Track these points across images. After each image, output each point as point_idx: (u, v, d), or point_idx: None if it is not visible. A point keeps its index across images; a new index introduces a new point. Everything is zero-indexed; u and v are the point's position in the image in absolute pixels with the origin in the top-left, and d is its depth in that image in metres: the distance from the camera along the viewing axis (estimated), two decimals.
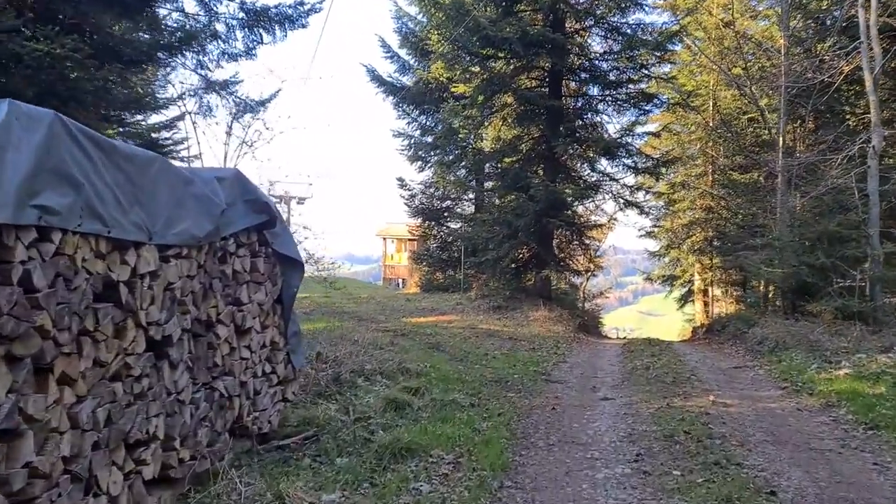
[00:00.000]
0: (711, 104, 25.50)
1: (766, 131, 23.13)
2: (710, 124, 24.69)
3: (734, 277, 25.64)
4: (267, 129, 20.86)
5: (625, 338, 22.40)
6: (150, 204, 4.21)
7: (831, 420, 7.47)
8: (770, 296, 17.71)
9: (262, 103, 20.62)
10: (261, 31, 18.03)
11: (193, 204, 4.86)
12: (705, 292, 31.75)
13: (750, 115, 24.08)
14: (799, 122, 21.23)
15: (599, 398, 8.72)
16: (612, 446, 6.46)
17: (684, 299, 34.87)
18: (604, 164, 22.46)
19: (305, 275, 14.39)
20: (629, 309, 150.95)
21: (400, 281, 42.96)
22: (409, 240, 35.44)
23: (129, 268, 4.02)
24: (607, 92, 20.69)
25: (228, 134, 21.58)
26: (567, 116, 20.84)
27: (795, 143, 21.63)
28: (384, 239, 47.01)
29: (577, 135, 20.36)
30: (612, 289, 49.26)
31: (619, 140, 19.68)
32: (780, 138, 19.47)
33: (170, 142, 31.86)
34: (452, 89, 22.85)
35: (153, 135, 28.80)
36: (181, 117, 29.14)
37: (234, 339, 5.78)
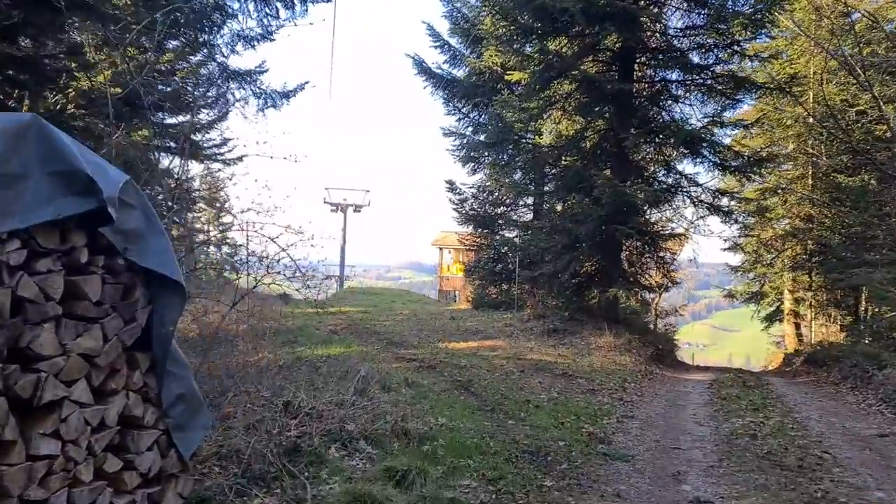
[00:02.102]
0: (811, 96, 21.71)
1: (882, 126, 19.33)
2: (812, 118, 20.90)
3: (839, 299, 21.72)
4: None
5: (707, 369, 18.82)
6: None
7: None
8: None
9: (286, 95, 18.12)
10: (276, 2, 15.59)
11: None
12: (796, 313, 27.69)
13: (859, 108, 20.24)
14: None
15: (688, 501, 5.54)
16: None
17: (771, 319, 30.82)
18: (683, 164, 19.12)
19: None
20: (702, 323, 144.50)
21: (456, 294, 40.13)
22: (467, 250, 32.53)
23: None
24: (688, 76, 17.29)
25: None
26: (639, 106, 17.57)
27: None
28: (440, 249, 44.27)
29: (651, 126, 17.04)
30: (687, 304, 45.13)
31: (702, 132, 16.26)
32: None
33: (212, 143, 29.97)
34: (507, 77, 19.87)
35: (194, 136, 26.84)
36: (222, 117, 27.16)
37: (13, 424, 3.05)
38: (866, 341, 14.97)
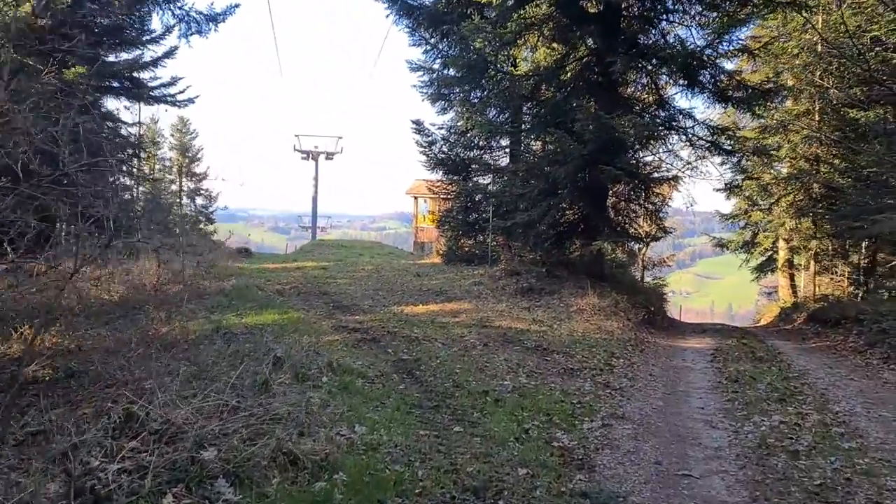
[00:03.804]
0: (819, 21, 19.16)
1: None
2: (823, 43, 18.39)
3: (846, 249, 19.57)
4: None
5: (703, 330, 16.66)
6: None
7: None
8: None
9: (213, 19, 15.39)
10: None
11: None
12: (791, 263, 25.64)
13: (874, 34, 17.75)
14: None
15: None
16: None
17: (762, 269, 28.86)
18: (677, 98, 16.64)
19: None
20: (686, 271, 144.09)
21: (431, 246, 37.79)
22: (443, 199, 29.95)
23: None
24: None
25: None
26: (628, 27, 15.00)
27: None
28: (415, 198, 41.74)
29: (642, 49, 14.49)
30: (674, 254, 43.17)
31: (701, 53, 13.74)
32: None
33: (158, 82, 27.06)
34: None
35: (136, 74, 24.04)
36: (170, 53, 24.31)
37: None
38: (885, 298, 12.79)
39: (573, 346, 10.27)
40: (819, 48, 19.49)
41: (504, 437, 5.80)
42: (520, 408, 6.80)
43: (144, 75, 25.71)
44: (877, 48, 17.76)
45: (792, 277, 26.09)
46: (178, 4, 15.00)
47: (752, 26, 17.71)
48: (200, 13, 15.26)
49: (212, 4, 15.00)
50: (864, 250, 19.84)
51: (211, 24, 15.44)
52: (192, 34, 15.49)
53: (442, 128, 23.30)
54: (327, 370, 7.60)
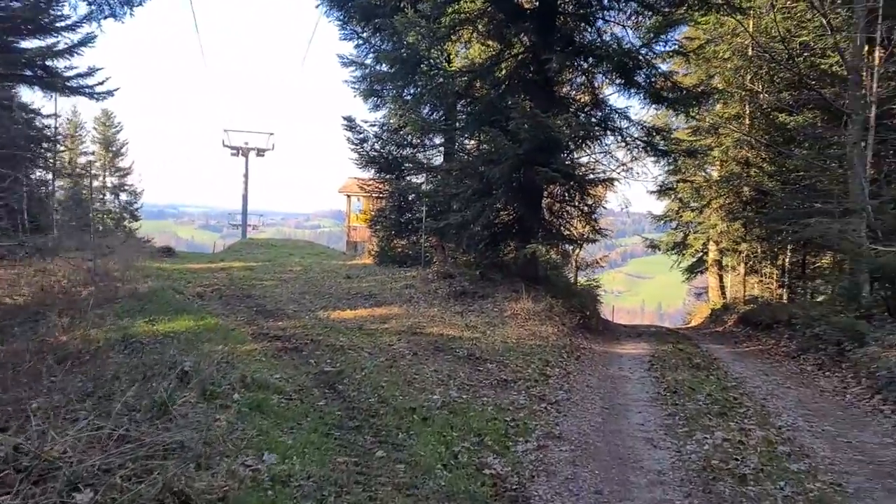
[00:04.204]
0: (751, 24, 19.29)
1: (827, 59, 17.13)
2: (755, 46, 18.51)
3: (775, 252, 19.78)
4: None
5: (638, 334, 16.47)
6: None
7: None
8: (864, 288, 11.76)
9: (128, 2, 14.35)
10: None
11: None
12: (720, 265, 25.99)
13: (803, 39, 17.94)
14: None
15: None
16: None
17: (692, 270, 29.24)
18: (614, 98, 16.41)
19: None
20: (618, 271, 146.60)
21: (364, 246, 36.97)
22: (377, 197, 29.17)
23: None
24: None
25: None
26: (564, 25, 14.68)
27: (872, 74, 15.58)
28: (348, 196, 40.83)
29: (578, 47, 14.17)
30: (607, 255, 43.49)
31: (637, 52, 13.50)
32: (869, 57, 13.53)
33: (74, 72, 25.47)
34: None
35: (50, 62, 22.57)
36: (87, 40, 22.86)
37: None
38: (820, 301, 12.79)
39: (507, 354, 9.80)
40: (750, 52, 19.65)
41: (431, 463, 5.24)
42: (449, 427, 6.26)
43: (59, 64, 24.16)
44: (805, 53, 17.97)
45: (721, 278, 26.43)
46: None
47: (685, 29, 17.64)
48: None
49: None
50: (789, 253, 20.13)
51: (126, 7, 14.39)
52: (104, 17, 14.40)
53: (374, 125, 22.60)
54: (240, 386, 6.90)
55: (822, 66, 17.58)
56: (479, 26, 15.37)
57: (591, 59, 14.36)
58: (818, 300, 14.41)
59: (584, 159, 17.47)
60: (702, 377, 8.99)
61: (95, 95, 25.29)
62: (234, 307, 13.05)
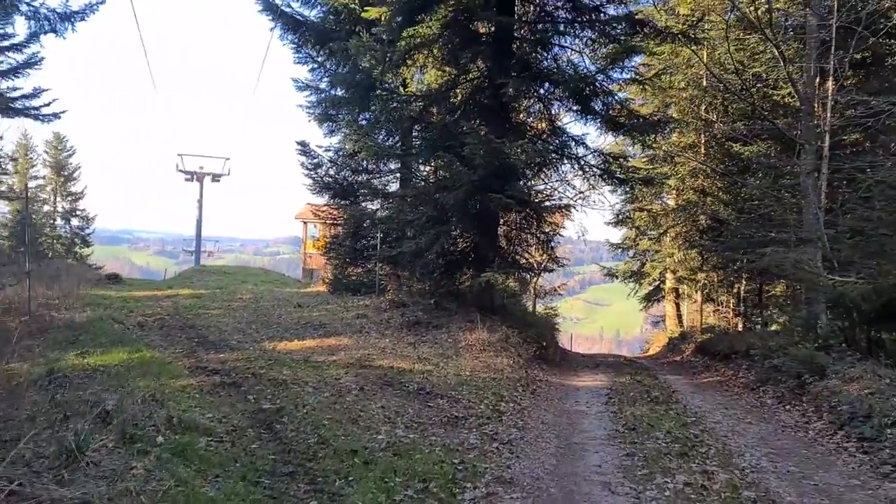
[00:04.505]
0: (705, 54, 19.43)
1: (779, 91, 17.32)
2: (709, 76, 18.62)
3: (731, 281, 19.76)
4: None
5: (596, 364, 16.17)
6: None
7: None
8: (824, 319, 11.63)
9: (69, 18, 13.74)
10: None
11: None
12: (677, 293, 26.02)
13: (756, 70, 18.12)
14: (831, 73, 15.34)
15: None
16: None
17: (649, 299, 29.23)
18: (571, 126, 16.28)
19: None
20: (576, 298, 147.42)
21: (319, 274, 36.28)
22: (333, 224, 28.60)
23: None
24: (578, 16, 14.30)
25: None
26: (520, 50, 14.51)
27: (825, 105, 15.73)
28: (304, 223, 40.21)
29: (534, 72, 13.97)
30: (566, 283, 43.42)
31: (594, 79, 13.35)
32: (822, 88, 13.62)
33: (19, 93, 24.65)
34: (363, 14, 16.25)
35: None
36: (33, 62, 22.09)
37: None
38: (776, 331, 12.65)
39: (460, 388, 9.35)
40: (704, 83, 19.80)
41: None
42: (392, 471, 5.77)
43: (2, 85, 23.27)
44: (758, 84, 18.14)
45: (678, 307, 26.44)
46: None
47: (641, 58, 17.66)
48: (53, 10, 13.55)
49: (66, 1, 13.28)
50: (745, 282, 20.15)
51: (66, 23, 13.76)
52: (45, 33, 13.72)
53: (329, 150, 22.21)
54: (165, 427, 6.32)
55: (775, 97, 17.76)
56: (435, 51, 15.11)
57: (547, 85, 14.18)
58: (774, 329, 14.27)
59: (541, 187, 17.30)
60: (661, 412, 8.66)
61: (41, 117, 24.42)
62: (175, 338, 12.40)
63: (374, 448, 6.41)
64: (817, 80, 14.38)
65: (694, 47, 16.86)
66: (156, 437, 6.07)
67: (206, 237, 56.16)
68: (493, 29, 14.15)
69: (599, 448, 6.97)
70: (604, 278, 33.78)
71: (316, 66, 21.15)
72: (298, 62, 20.86)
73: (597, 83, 13.38)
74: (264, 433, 6.72)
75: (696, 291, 21.92)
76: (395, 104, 15.04)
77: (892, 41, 15.30)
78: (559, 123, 15.85)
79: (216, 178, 48.69)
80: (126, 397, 6.95)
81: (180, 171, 47.79)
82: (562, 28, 13.90)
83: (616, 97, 14.35)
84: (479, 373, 10.50)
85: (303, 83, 21.47)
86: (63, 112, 24.19)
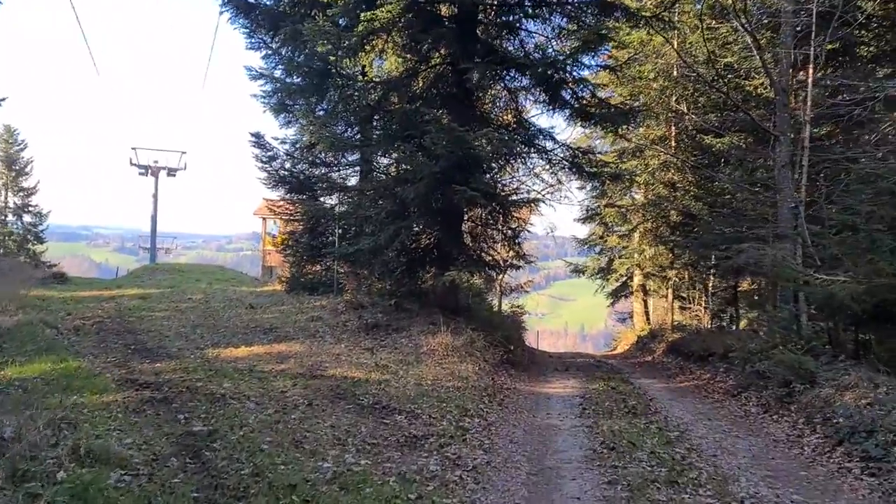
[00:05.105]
0: (676, 43, 18.77)
1: (752, 82, 16.76)
2: (681, 65, 17.95)
3: (704, 278, 19.15)
4: None
5: (566, 368, 15.38)
6: None
7: None
8: (804, 320, 10.98)
9: None
10: None
11: None
12: (645, 290, 25.48)
13: (727, 59, 17.52)
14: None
15: None
16: None
17: (616, 295, 28.70)
18: (539, 119, 15.44)
19: None
20: (542, 293, 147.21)
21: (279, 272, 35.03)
22: (292, 220, 27.42)
23: None
24: None
25: None
26: (485, 34, 13.65)
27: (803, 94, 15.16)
28: (263, 219, 38.86)
29: (500, 54, 13.07)
30: (532, 280, 42.82)
31: (564, 64, 12.52)
32: (802, 71, 13.00)
33: None
34: None
35: None
36: None
37: None
38: (759, 332, 11.99)
39: (420, 400, 8.46)
40: (675, 73, 19.15)
41: None
42: None
43: None
44: (730, 75, 17.54)
45: (646, 304, 25.91)
46: None
47: (610, 47, 16.91)
48: None
49: None
50: (713, 278, 19.60)
51: None
52: None
53: (286, 142, 21.10)
54: (71, 459, 5.33)
55: (748, 88, 17.17)
56: (395, 35, 14.16)
57: (514, 72, 13.31)
58: (752, 329, 13.65)
59: (509, 180, 16.49)
60: (641, 426, 7.85)
61: None
62: (110, 345, 11.33)
63: (317, 480, 5.50)
64: (791, 70, 13.80)
65: (666, 34, 16.19)
66: (56, 472, 5.08)
67: (165, 233, 54.43)
68: (456, 10, 13.26)
69: (576, 473, 6.13)
70: (569, 274, 33.26)
71: (270, 52, 19.96)
72: (251, 48, 19.65)
73: (566, 69, 12.55)
74: (190, 463, 5.76)
75: (667, 289, 21.30)
76: (351, 91, 14.08)
77: (864, 32, 14.83)
78: (527, 116, 15.06)
79: (172, 172, 47.13)
80: (28, 422, 5.94)
81: (134, 165, 46.13)
82: (529, 11, 13.02)
83: (586, 84, 13.52)
84: (441, 381, 9.62)
85: (257, 71, 20.21)
86: (3, 99, 22.77)
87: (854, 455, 6.39)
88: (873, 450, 6.22)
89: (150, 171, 46.49)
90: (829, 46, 13.35)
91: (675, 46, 18.49)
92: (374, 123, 16.60)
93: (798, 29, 13.48)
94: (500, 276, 23.09)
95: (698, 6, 17.82)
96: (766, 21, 16.35)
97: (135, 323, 13.83)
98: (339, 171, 21.11)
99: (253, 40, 19.76)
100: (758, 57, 14.14)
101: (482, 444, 7.02)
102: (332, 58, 14.29)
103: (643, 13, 13.34)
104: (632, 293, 27.04)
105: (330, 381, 9.04)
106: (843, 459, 6.40)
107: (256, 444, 6.29)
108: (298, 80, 18.32)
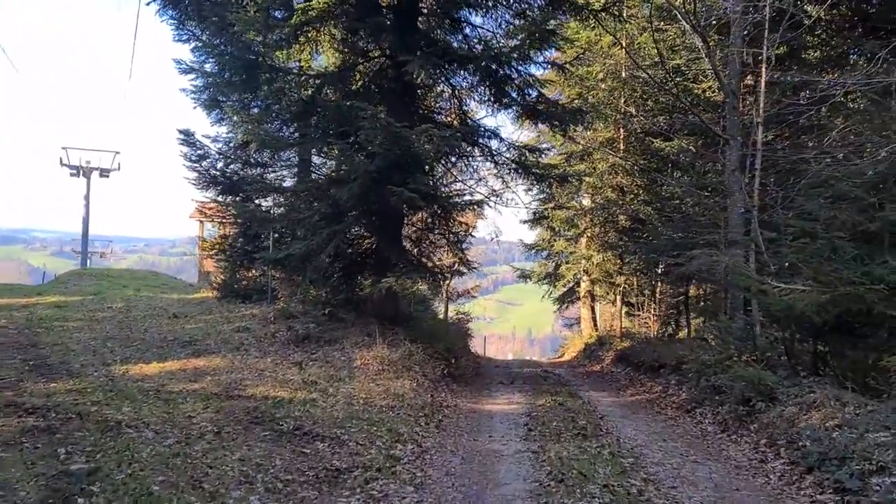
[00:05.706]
0: (624, 42, 18.30)
1: (701, 85, 16.37)
2: (631, 66, 17.46)
3: (653, 285, 18.68)
4: None
5: (512, 380, 14.60)
6: None
7: None
8: (756, 330, 10.43)
9: None
10: None
11: None
12: (593, 296, 25.01)
13: (677, 62, 17.10)
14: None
15: None
16: None
17: (563, 301, 28.22)
18: (484, 121, 14.75)
19: None
20: (489, 298, 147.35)
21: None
22: (223, 222, 25.94)
23: None
24: None
25: None
26: (426, 22, 12.84)
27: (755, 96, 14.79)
28: (200, 222, 37.27)
29: (440, 46, 12.24)
30: (479, 285, 42.16)
31: (509, 58, 11.76)
32: (752, 75, 12.55)
33: None
34: None
35: None
36: None
37: None
38: (712, 343, 11.41)
39: (348, 423, 7.55)
40: (623, 74, 18.68)
41: None
42: None
43: None
44: (678, 78, 17.12)
45: (594, 310, 25.46)
46: None
47: (558, 43, 16.32)
48: None
49: None
50: (660, 285, 19.19)
51: None
52: None
53: (218, 140, 19.89)
54: None
55: (696, 91, 16.78)
56: (332, 27, 13.23)
57: (458, 68, 12.51)
58: (703, 338, 13.12)
59: (452, 182, 15.70)
60: (592, 451, 7.09)
61: None
62: (5, 361, 10.07)
63: None
64: (741, 72, 13.41)
65: (614, 31, 15.65)
66: None
67: (102, 237, 52.08)
68: (395, 0, 12.41)
69: None
70: (517, 278, 32.76)
71: (200, 44, 18.76)
72: (178, 40, 18.43)
73: (511, 63, 11.81)
74: None
75: (615, 295, 20.79)
76: (281, 84, 13.09)
77: (809, 37, 14.57)
78: (473, 117, 14.28)
79: (105, 172, 45.04)
80: None
81: (65, 165, 43.95)
82: (472, 0, 12.22)
83: (534, 84, 12.82)
84: (374, 400, 8.72)
85: (187, 65, 18.98)
86: None
87: (826, 486, 5.74)
88: (848, 480, 5.57)
89: (81, 171, 44.35)
90: (777, 51, 12.99)
91: (624, 45, 18.03)
92: (312, 121, 15.63)
93: (745, 33, 13.10)
94: (447, 283, 22.33)
95: (646, 7, 17.42)
96: (714, 23, 15.99)
97: (41, 335, 12.54)
98: (275, 171, 20.05)
99: (181, 32, 18.57)
100: (707, 58, 13.70)
101: (413, 477, 6.14)
102: (260, 48, 13.34)
103: (592, 7, 12.68)
104: (579, 299, 26.61)
105: (248, 401, 8.05)
106: (814, 491, 5.74)
107: (146, 484, 5.30)
108: (228, 73, 17.21)
